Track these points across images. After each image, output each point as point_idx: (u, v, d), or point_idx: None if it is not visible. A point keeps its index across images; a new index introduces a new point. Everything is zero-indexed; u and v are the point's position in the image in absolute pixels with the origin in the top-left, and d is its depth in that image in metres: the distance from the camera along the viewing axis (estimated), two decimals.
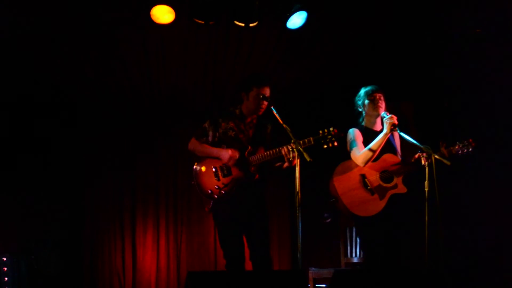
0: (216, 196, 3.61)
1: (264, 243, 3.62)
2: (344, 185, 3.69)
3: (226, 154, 3.59)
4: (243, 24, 4.07)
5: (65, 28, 4.27)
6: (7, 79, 5.15)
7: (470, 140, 3.56)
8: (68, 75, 5.25)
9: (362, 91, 3.84)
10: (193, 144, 3.79)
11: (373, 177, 3.67)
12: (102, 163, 6.05)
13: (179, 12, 4.01)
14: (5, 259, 4.79)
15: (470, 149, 3.55)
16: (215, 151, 3.67)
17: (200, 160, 3.76)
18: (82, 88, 5.62)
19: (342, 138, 3.51)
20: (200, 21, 4.01)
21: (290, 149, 3.36)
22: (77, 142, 5.94)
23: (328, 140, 3.39)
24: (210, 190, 3.63)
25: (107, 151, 6.08)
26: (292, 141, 3.26)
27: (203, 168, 3.71)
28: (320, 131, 3.41)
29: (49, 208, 5.57)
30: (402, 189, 3.63)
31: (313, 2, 4.05)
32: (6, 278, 4.74)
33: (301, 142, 3.37)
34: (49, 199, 5.60)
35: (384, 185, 3.65)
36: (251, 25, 4.08)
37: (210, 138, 3.74)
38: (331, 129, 3.40)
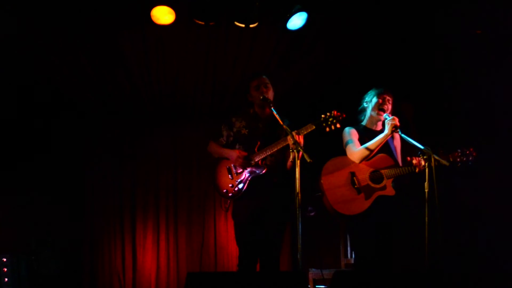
0: (230, 194, 3.68)
1: (274, 245, 3.66)
2: (331, 181, 3.66)
3: (234, 154, 3.66)
4: (243, 25, 4.08)
5: (66, 29, 4.28)
6: (7, 79, 5.15)
7: (471, 149, 3.53)
8: (69, 75, 5.25)
9: (374, 89, 3.83)
10: (210, 146, 3.90)
11: (363, 176, 3.65)
12: (102, 163, 6.05)
13: (180, 13, 4.01)
14: (5, 259, 4.80)
15: (471, 158, 3.52)
16: (225, 151, 3.76)
17: (217, 161, 3.84)
18: (82, 89, 5.62)
19: (344, 119, 3.47)
20: (200, 22, 4.02)
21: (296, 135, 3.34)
22: (77, 142, 5.94)
23: (330, 122, 3.40)
24: (225, 189, 3.71)
25: (107, 151, 6.08)
26: (292, 142, 3.26)
27: (219, 169, 3.80)
28: (322, 115, 3.42)
29: (49, 209, 5.58)
30: (390, 191, 3.60)
31: (313, 3, 4.05)
32: (6, 279, 4.74)
33: (302, 129, 3.41)
34: (49, 199, 5.60)
35: (373, 185, 3.63)
36: (251, 26, 4.08)
37: (225, 138, 3.84)
38: (333, 111, 3.41)
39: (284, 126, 3.37)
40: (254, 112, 3.81)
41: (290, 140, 3.35)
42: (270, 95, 3.70)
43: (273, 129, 3.76)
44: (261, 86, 3.70)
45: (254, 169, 3.64)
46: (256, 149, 3.65)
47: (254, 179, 3.65)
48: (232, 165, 3.71)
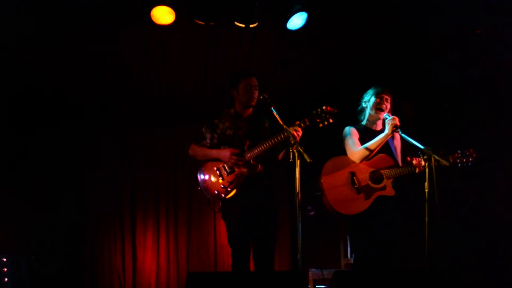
0: (223, 195, 3.63)
1: (267, 243, 3.64)
2: (331, 180, 3.66)
3: (226, 154, 3.60)
4: (243, 25, 4.08)
5: (66, 29, 4.28)
6: (7, 79, 5.15)
7: (471, 150, 3.53)
8: (69, 75, 5.25)
9: (372, 88, 3.82)
10: (193, 149, 3.81)
11: (363, 176, 3.65)
12: (102, 163, 6.05)
13: (180, 13, 4.01)
14: (5, 259, 4.78)
15: (470, 159, 3.53)
16: (214, 152, 3.69)
17: (202, 164, 3.77)
18: (82, 89, 5.62)
19: (336, 114, 3.44)
20: (200, 22, 4.02)
21: (294, 130, 3.34)
22: (77, 142, 5.94)
23: (323, 118, 3.37)
24: (217, 191, 3.64)
25: (107, 151, 6.08)
26: (292, 142, 3.27)
27: (206, 171, 3.72)
28: (314, 111, 3.39)
29: (49, 209, 5.57)
30: (390, 191, 3.60)
31: (313, 3, 4.06)
32: (6, 279, 4.74)
33: (296, 127, 3.37)
34: (49, 199, 5.60)
35: (372, 185, 3.63)
36: (251, 26, 4.08)
37: (208, 141, 3.77)
38: (323, 107, 3.39)
39: (284, 126, 3.37)
40: (235, 112, 3.77)
41: (281, 137, 3.39)
42: (256, 96, 3.69)
43: (257, 127, 3.75)
44: (252, 87, 3.67)
45: (247, 169, 3.61)
46: (245, 148, 3.61)
47: (245, 179, 3.62)
48: (221, 166, 3.64)
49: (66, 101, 5.79)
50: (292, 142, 3.26)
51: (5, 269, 4.76)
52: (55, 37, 4.42)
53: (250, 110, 3.77)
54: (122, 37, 4.50)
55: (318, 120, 3.39)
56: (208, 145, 3.77)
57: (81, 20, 4.15)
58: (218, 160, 3.67)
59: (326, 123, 3.39)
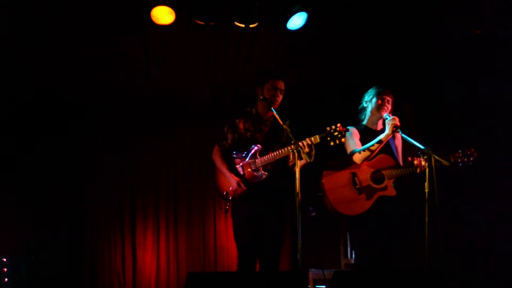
0: (230, 197, 3.70)
1: (273, 245, 3.67)
2: (333, 181, 3.66)
3: (234, 183, 3.65)
4: (243, 25, 4.08)
5: (66, 29, 4.28)
6: (7, 79, 5.15)
7: (472, 150, 3.53)
8: (69, 74, 5.25)
9: (374, 88, 3.82)
10: (215, 156, 3.86)
11: (364, 176, 3.65)
12: (102, 163, 6.05)
13: (180, 13, 4.02)
14: (5, 260, 4.78)
15: (471, 159, 3.52)
16: (227, 175, 3.72)
17: None
18: (82, 89, 5.62)
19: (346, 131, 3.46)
20: (200, 22, 4.02)
21: (306, 144, 3.35)
22: (77, 142, 5.94)
23: (334, 137, 3.39)
24: (226, 192, 3.73)
25: (107, 151, 6.08)
26: (293, 142, 3.28)
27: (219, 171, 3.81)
28: (328, 128, 3.39)
29: (49, 209, 5.57)
30: (391, 192, 3.60)
31: (313, 3, 4.06)
32: (6, 279, 4.74)
33: (307, 140, 3.39)
34: (49, 199, 5.60)
35: (374, 185, 3.63)
36: (251, 26, 4.08)
37: (230, 141, 3.80)
38: (338, 125, 3.39)
39: (284, 126, 3.39)
40: (257, 113, 3.79)
41: (289, 149, 3.40)
42: (279, 100, 3.70)
43: (275, 131, 3.75)
44: (278, 90, 3.66)
45: (255, 175, 3.64)
46: (258, 154, 3.65)
47: (253, 183, 3.66)
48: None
49: (66, 101, 5.79)
50: (293, 142, 3.28)
51: (5, 269, 4.76)
52: (55, 37, 4.42)
53: (272, 112, 3.73)
54: (122, 37, 4.50)
55: (329, 138, 3.40)
56: (228, 146, 3.79)
57: (81, 20, 4.15)
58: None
59: (337, 141, 3.39)
